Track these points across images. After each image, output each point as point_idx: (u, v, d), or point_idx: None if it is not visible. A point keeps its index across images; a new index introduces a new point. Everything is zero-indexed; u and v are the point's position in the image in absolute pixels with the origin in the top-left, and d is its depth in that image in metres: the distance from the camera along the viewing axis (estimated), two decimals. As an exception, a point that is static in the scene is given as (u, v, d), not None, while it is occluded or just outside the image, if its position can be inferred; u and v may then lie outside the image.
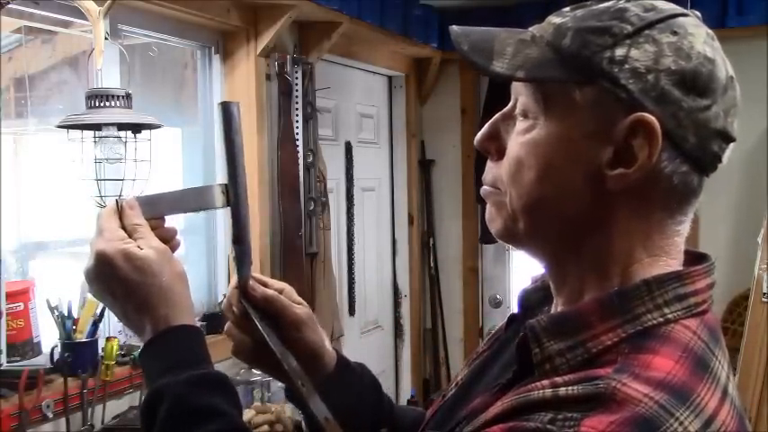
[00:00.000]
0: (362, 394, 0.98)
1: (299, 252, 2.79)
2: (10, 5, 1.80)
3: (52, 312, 1.97)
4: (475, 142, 0.78)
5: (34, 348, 1.99)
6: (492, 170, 0.76)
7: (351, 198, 3.42)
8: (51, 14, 2.08)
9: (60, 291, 2.04)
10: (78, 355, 1.97)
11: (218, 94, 2.72)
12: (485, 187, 0.77)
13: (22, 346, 1.95)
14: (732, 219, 3.50)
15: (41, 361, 1.96)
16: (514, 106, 0.75)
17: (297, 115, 2.80)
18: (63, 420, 1.93)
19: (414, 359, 3.93)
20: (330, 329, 2.90)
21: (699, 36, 0.70)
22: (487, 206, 0.77)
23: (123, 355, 2.13)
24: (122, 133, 1.87)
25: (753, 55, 3.38)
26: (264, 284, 0.93)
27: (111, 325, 2.22)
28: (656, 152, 0.68)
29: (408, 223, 3.91)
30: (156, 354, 0.83)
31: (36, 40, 2.26)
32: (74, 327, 1.99)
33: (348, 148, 3.43)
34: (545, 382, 0.65)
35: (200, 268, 2.74)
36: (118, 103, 1.83)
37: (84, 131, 1.87)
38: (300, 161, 2.79)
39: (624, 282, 0.71)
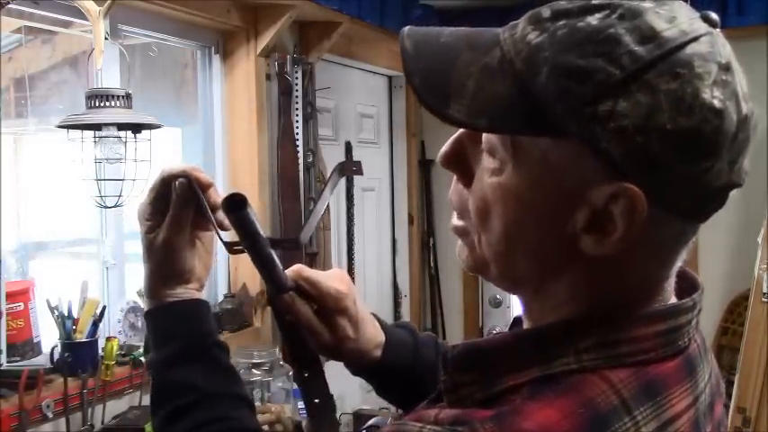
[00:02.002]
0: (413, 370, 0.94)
1: (299, 252, 2.78)
2: (10, 5, 1.80)
3: (52, 312, 1.97)
4: (438, 159, 0.69)
5: (34, 348, 1.99)
6: (460, 193, 0.67)
7: (351, 198, 3.42)
8: (51, 14, 2.08)
9: (60, 291, 2.04)
10: (78, 355, 1.97)
11: (218, 93, 2.72)
12: (454, 222, 0.69)
13: (22, 346, 1.95)
14: (732, 219, 3.50)
15: (41, 361, 1.96)
16: None
17: (297, 115, 2.80)
18: (63, 420, 1.93)
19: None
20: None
21: (707, 76, 0.56)
22: (459, 241, 0.69)
23: (123, 355, 2.13)
24: (122, 133, 1.87)
25: (753, 55, 3.37)
26: (309, 296, 0.89)
27: (111, 325, 2.22)
28: (638, 224, 0.58)
29: (408, 223, 3.91)
30: (159, 319, 0.91)
31: (36, 40, 2.26)
32: (74, 327, 1.99)
33: (348, 149, 3.42)
34: (430, 412, 0.60)
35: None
36: (118, 103, 1.83)
37: (85, 131, 1.87)
38: (300, 161, 2.79)
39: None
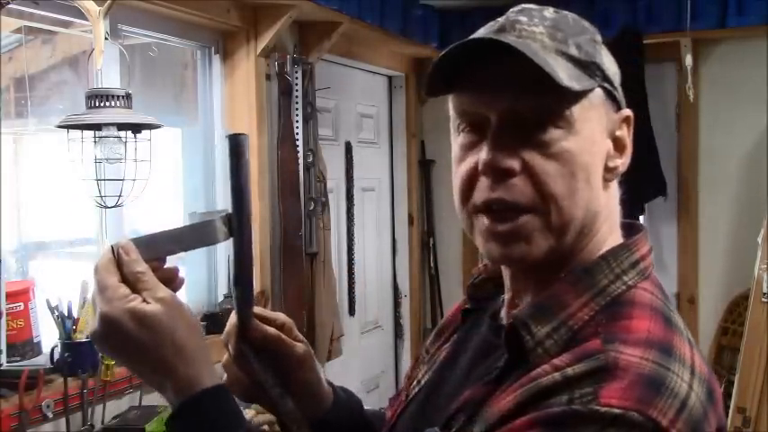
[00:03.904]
0: (356, 426, 0.98)
1: (298, 252, 2.78)
2: (10, 5, 1.80)
3: (52, 312, 1.97)
4: (495, 163, 0.74)
5: (34, 348, 1.99)
6: (517, 189, 0.74)
7: (351, 198, 3.42)
8: (51, 14, 2.08)
9: (60, 291, 2.04)
10: (78, 355, 1.97)
11: (218, 94, 2.72)
12: (523, 218, 0.74)
13: (22, 346, 1.95)
14: (732, 219, 3.50)
15: (41, 361, 1.96)
16: (511, 117, 0.74)
17: (297, 115, 2.80)
18: (63, 420, 1.93)
19: (414, 359, 3.92)
20: (330, 329, 2.90)
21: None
22: (520, 239, 0.75)
23: (123, 355, 2.12)
24: (122, 133, 1.87)
25: (753, 55, 3.37)
26: (266, 320, 0.91)
27: (111, 325, 2.22)
28: (632, 140, 0.81)
29: (408, 223, 3.91)
30: (191, 424, 0.78)
31: (36, 40, 2.26)
32: (74, 327, 1.99)
33: (348, 148, 3.43)
34: (547, 367, 0.70)
35: (201, 268, 2.74)
36: (118, 103, 1.83)
37: (85, 131, 1.87)
38: (300, 161, 2.79)
39: (583, 257, 0.78)
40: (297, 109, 2.79)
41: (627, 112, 0.80)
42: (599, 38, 0.80)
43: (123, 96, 1.85)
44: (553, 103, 0.73)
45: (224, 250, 2.73)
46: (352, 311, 3.44)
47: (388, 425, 0.91)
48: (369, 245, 3.64)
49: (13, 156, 2.17)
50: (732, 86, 3.45)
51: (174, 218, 2.75)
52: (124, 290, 0.77)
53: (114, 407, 2.09)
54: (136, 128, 1.89)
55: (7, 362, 1.89)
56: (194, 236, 0.84)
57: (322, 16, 2.81)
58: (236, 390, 0.90)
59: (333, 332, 2.91)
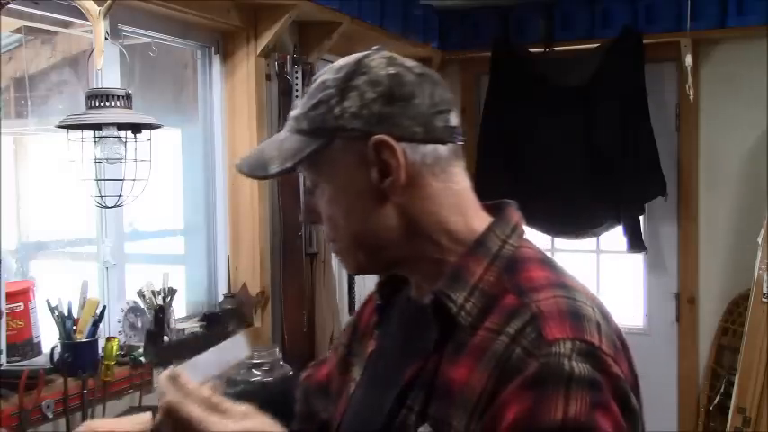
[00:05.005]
0: None
1: (298, 252, 2.78)
2: (10, 5, 1.80)
3: (52, 312, 1.97)
4: (300, 219, 0.96)
5: (34, 348, 1.99)
6: (325, 228, 0.97)
7: (351, 198, 3.41)
8: (51, 14, 2.08)
9: (60, 291, 2.04)
10: (78, 355, 1.97)
11: (218, 94, 2.72)
12: (334, 246, 0.97)
13: (22, 346, 1.95)
14: (732, 219, 3.50)
15: (41, 361, 1.96)
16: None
17: (297, 115, 2.79)
18: (63, 420, 1.93)
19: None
20: (330, 329, 2.90)
21: (379, 64, 0.92)
22: (341, 258, 0.98)
23: (123, 355, 2.13)
24: (122, 133, 1.87)
25: (753, 55, 3.37)
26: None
27: (111, 325, 2.22)
28: (399, 155, 0.88)
29: (408, 223, 3.90)
30: None
31: (36, 40, 2.26)
32: (74, 327, 1.99)
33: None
34: (484, 333, 0.84)
35: (201, 268, 2.74)
36: (118, 103, 1.84)
37: (85, 131, 1.87)
38: (300, 161, 2.79)
39: (457, 241, 0.91)
40: (297, 109, 2.79)
41: (374, 138, 0.88)
42: (332, 92, 0.90)
43: (123, 96, 1.85)
44: (308, 171, 0.94)
45: (223, 250, 2.73)
46: (352, 311, 3.44)
47: (333, 426, 1.00)
48: (369, 245, 3.64)
49: (13, 156, 2.17)
50: (732, 86, 3.45)
51: (173, 218, 2.75)
52: (216, 417, 0.82)
53: (114, 407, 2.09)
54: (136, 128, 1.89)
55: (7, 362, 1.89)
56: (230, 353, 0.92)
57: (322, 16, 2.81)
58: None
59: (333, 332, 2.91)
